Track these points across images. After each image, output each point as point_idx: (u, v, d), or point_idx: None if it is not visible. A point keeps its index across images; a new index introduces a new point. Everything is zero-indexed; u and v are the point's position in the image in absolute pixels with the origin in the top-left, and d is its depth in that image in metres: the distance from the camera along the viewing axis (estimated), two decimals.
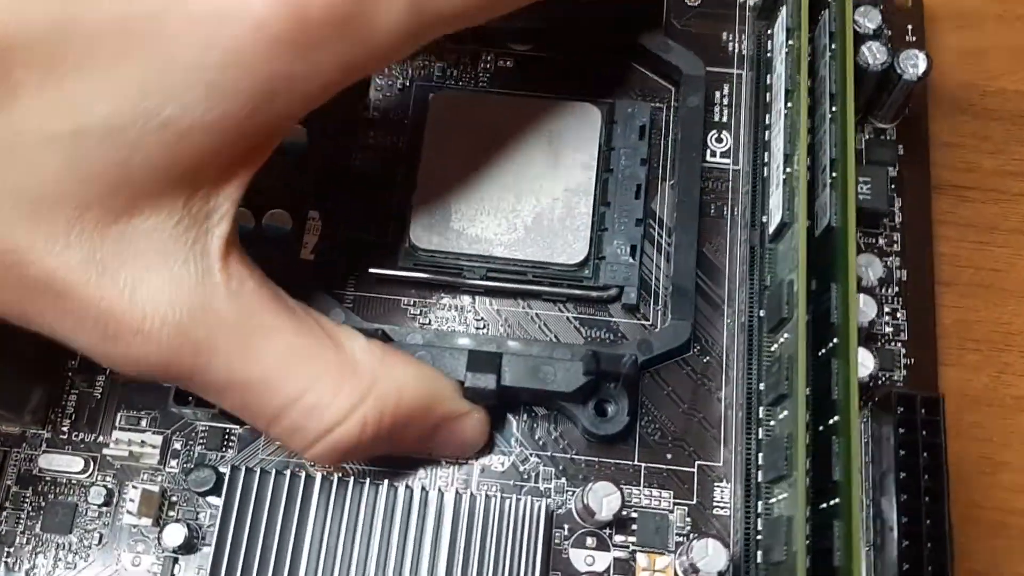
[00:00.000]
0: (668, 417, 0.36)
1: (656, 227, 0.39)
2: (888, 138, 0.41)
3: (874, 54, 0.38)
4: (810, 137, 0.35)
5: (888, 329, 0.38)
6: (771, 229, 0.36)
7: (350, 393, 0.30)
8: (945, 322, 0.38)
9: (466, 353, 0.35)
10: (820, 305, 0.33)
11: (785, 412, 0.32)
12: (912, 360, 0.37)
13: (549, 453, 0.36)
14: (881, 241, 0.39)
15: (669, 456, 0.36)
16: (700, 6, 0.43)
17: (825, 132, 0.35)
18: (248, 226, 0.37)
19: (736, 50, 0.42)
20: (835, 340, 0.32)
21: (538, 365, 0.35)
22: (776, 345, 0.34)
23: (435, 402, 0.33)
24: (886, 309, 0.38)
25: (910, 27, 0.42)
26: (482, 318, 0.38)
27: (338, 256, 0.38)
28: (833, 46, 0.36)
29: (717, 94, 0.41)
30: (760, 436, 0.35)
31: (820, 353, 0.33)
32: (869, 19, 0.39)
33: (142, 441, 0.35)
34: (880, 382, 0.37)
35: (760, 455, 0.34)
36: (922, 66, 0.38)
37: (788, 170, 0.35)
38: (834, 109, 0.35)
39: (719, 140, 0.41)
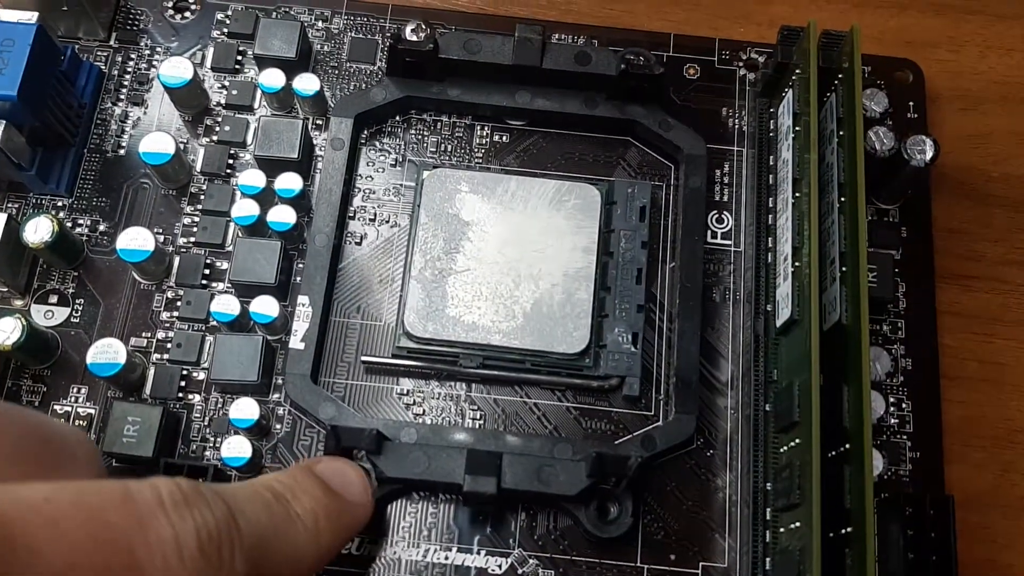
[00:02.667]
0: (671, 515, 0.35)
1: (657, 311, 0.38)
2: (892, 219, 0.40)
3: (881, 139, 0.37)
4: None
5: (894, 421, 0.37)
6: (779, 322, 0.35)
7: None
8: (950, 417, 0.37)
9: (464, 452, 0.33)
10: (830, 402, 0.32)
11: (797, 523, 0.31)
12: (918, 454, 0.37)
13: (549, 555, 0.35)
14: (885, 328, 0.38)
15: (673, 557, 0.35)
16: (699, 79, 0.42)
17: (833, 223, 0.34)
18: (232, 314, 0.36)
19: (737, 127, 0.41)
20: (847, 446, 0.31)
21: (540, 466, 0.33)
22: (785, 448, 0.33)
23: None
24: (891, 399, 0.37)
25: (912, 104, 0.42)
26: (478, 408, 0.37)
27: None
28: (841, 132, 0.35)
29: (718, 172, 0.40)
30: (768, 539, 0.33)
31: (830, 454, 0.32)
32: (876, 102, 0.38)
33: None
34: (886, 477, 0.36)
35: (768, 560, 0.33)
36: (930, 152, 0.37)
37: (797, 264, 0.34)
38: (843, 200, 0.34)
39: (720, 221, 0.40)
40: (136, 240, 0.36)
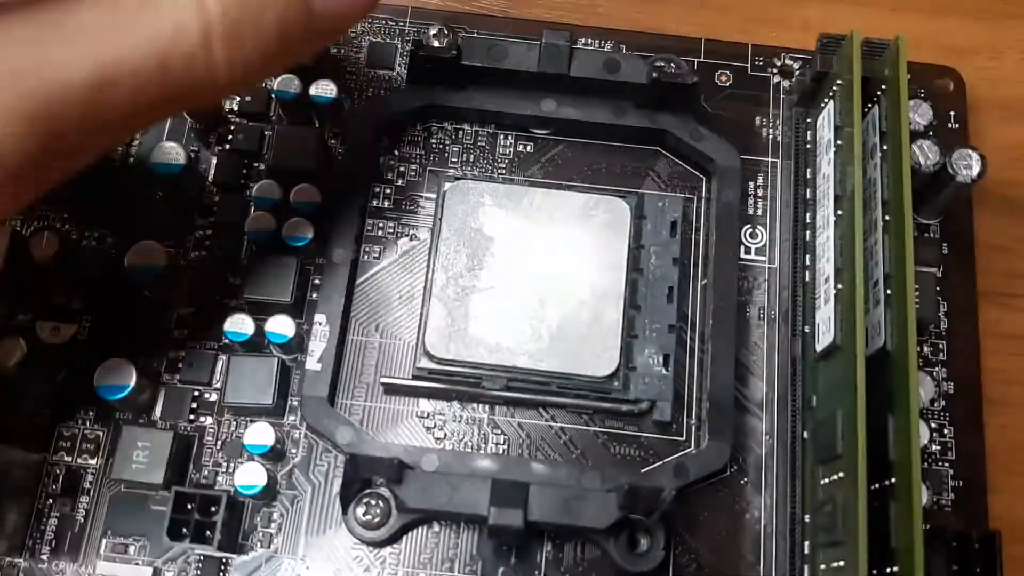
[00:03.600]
0: (704, 546, 0.34)
1: (689, 331, 0.36)
2: (932, 235, 0.38)
3: (925, 154, 0.36)
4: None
5: (935, 448, 0.35)
6: (819, 346, 0.33)
7: None
8: (992, 442, 0.36)
9: (489, 482, 0.32)
10: (874, 432, 0.31)
11: (840, 563, 0.29)
12: (960, 483, 0.35)
13: None
14: (927, 350, 0.37)
15: None
16: (732, 86, 0.40)
17: (877, 242, 0.33)
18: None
19: (771, 137, 0.39)
20: (893, 480, 0.30)
21: (568, 497, 0.32)
22: (827, 481, 0.31)
23: None
24: (933, 425, 0.36)
25: (952, 114, 0.40)
26: (502, 432, 0.35)
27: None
28: (884, 146, 0.34)
29: (751, 184, 0.39)
30: (806, 575, 0.32)
31: (874, 487, 0.31)
32: (920, 114, 0.36)
33: None
34: (929, 507, 0.34)
35: None
36: (976, 168, 0.35)
37: (839, 286, 0.33)
38: (887, 218, 0.33)
39: (753, 236, 0.38)
40: (145, 256, 0.34)
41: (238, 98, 0.39)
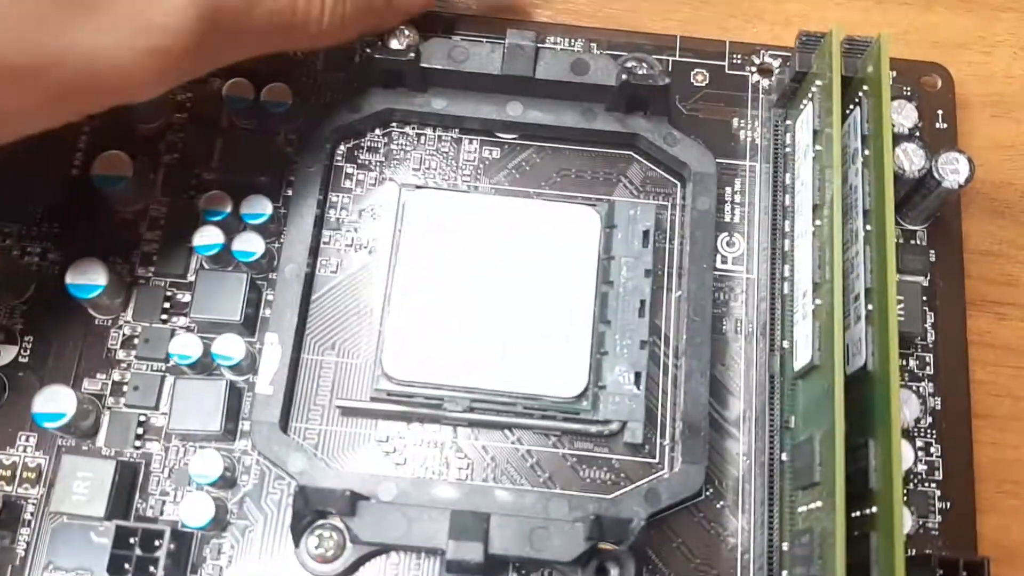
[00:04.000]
0: (678, 574, 0.32)
1: (662, 345, 0.35)
2: (919, 242, 0.36)
3: (910, 158, 0.34)
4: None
5: (922, 467, 0.34)
6: (797, 365, 0.31)
7: None
8: (981, 460, 0.34)
9: (448, 513, 0.30)
10: (853, 454, 0.29)
11: None
12: (948, 504, 0.33)
13: None
14: (912, 363, 0.35)
15: None
16: (708, 86, 0.38)
17: (858, 253, 0.31)
18: None
19: (749, 139, 0.37)
20: (874, 509, 0.28)
21: (532, 528, 0.30)
22: (804, 510, 0.30)
23: None
24: (919, 443, 0.34)
25: (940, 113, 0.38)
26: (465, 456, 0.33)
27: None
28: (867, 151, 0.32)
29: (728, 189, 0.37)
30: None
31: (855, 514, 0.29)
32: (904, 116, 0.34)
33: None
34: (915, 532, 0.33)
35: None
36: (964, 173, 0.33)
37: (818, 302, 0.31)
38: (868, 228, 0.31)
39: (730, 244, 0.36)
40: (86, 274, 0.33)
41: (189, 103, 0.37)
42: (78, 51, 0.26)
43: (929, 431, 0.34)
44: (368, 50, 0.35)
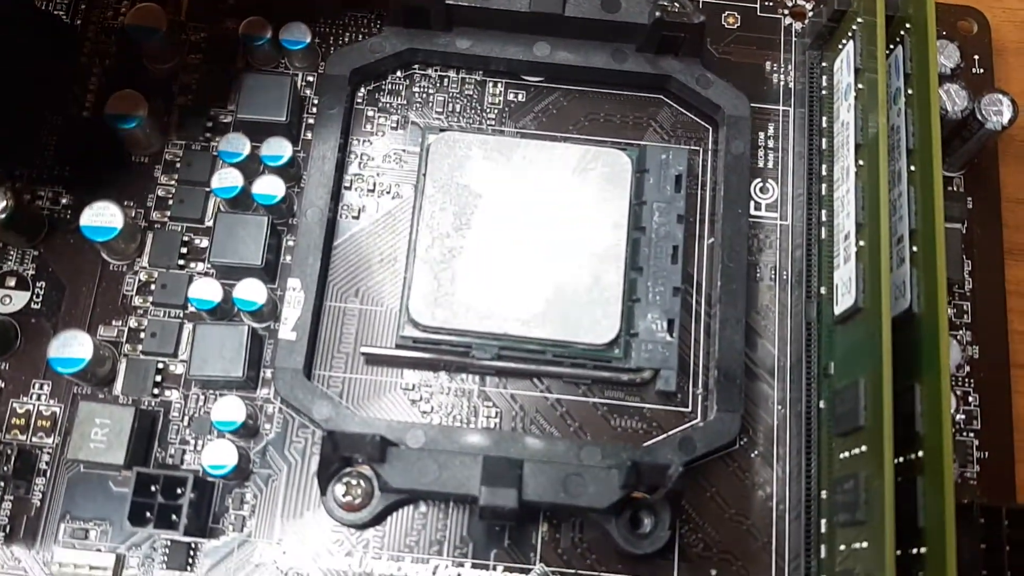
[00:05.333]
0: (712, 525, 0.31)
1: (694, 293, 0.34)
2: (956, 189, 0.35)
3: (953, 99, 0.33)
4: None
5: (960, 417, 0.33)
6: (838, 309, 0.31)
7: None
8: (1020, 411, 0.33)
9: (480, 459, 0.29)
10: (899, 401, 0.28)
11: (864, 543, 0.27)
12: (986, 454, 0.33)
13: (574, 570, 0.31)
14: (951, 311, 0.34)
15: (714, 572, 0.31)
16: (740, 28, 0.37)
17: (901, 195, 0.30)
18: None
19: (782, 83, 0.36)
20: (920, 453, 0.27)
21: (566, 475, 0.29)
22: (847, 455, 0.29)
23: None
24: (957, 392, 0.33)
25: (977, 58, 0.37)
26: (493, 404, 0.32)
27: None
28: (910, 90, 0.31)
29: (761, 134, 0.36)
30: (823, 555, 0.30)
31: (898, 460, 0.28)
32: (947, 56, 0.33)
33: (89, 565, 0.29)
34: (955, 480, 0.32)
35: None
36: (1008, 114, 0.33)
37: (862, 243, 0.30)
38: (912, 168, 0.30)
39: (764, 190, 0.35)
40: (102, 216, 0.31)
41: (203, 43, 0.36)
42: None
43: (967, 380, 0.33)
44: None
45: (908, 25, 0.32)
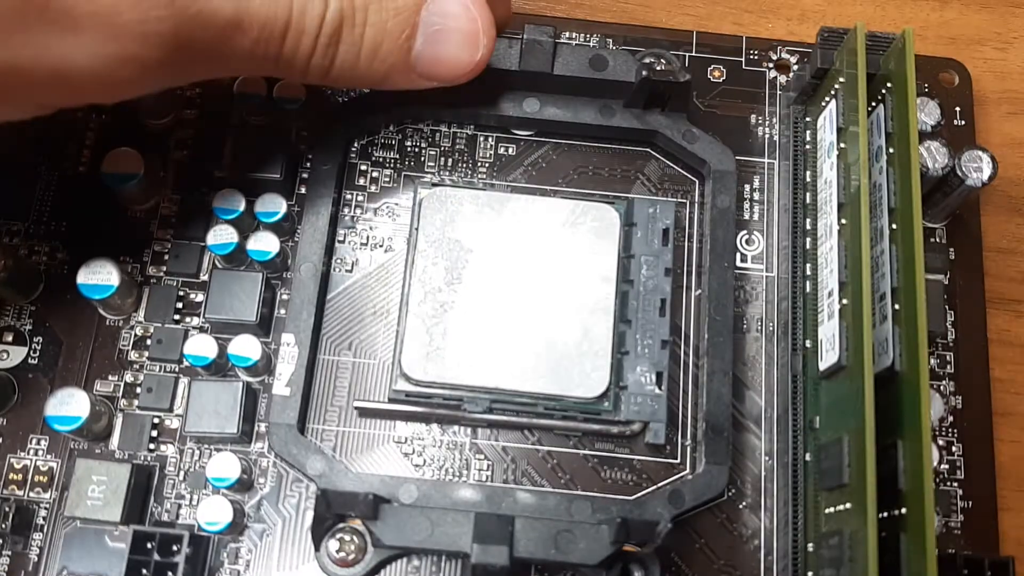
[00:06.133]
0: (701, 575, 0.32)
1: (683, 345, 0.34)
2: (939, 240, 0.36)
3: (933, 156, 0.34)
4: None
5: (943, 467, 0.33)
6: (823, 365, 0.31)
7: None
8: (1002, 459, 0.34)
9: (472, 516, 0.30)
10: (882, 456, 0.29)
11: None
12: (969, 503, 0.33)
13: None
14: (934, 362, 0.35)
15: None
16: (725, 82, 0.38)
17: (883, 252, 0.31)
18: None
19: (767, 136, 0.37)
20: (904, 510, 0.28)
21: (557, 531, 0.30)
22: (832, 510, 0.29)
23: None
24: (940, 443, 0.34)
25: (958, 110, 0.38)
26: (485, 457, 0.33)
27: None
28: (891, 149, 0.32)
29: (747, 187, 0.36)
30: None
31: (882, 516, 0.29)
32: (927, 114, 0.34)
33: None
34: (939, 531, 0.33)
35: None
36: (987, 171, 0.33)
37: (844, 301, 0.30)
38: (894, 226, 0.31)
39: (750, 242, 0.36)
40: (99, 274, 0.32)
41: (199, 99, 0.36)
42: (47, 54, 0.25)
43: (951, 430, 0.34)
44: None
45: (889, 84, 0.33)
